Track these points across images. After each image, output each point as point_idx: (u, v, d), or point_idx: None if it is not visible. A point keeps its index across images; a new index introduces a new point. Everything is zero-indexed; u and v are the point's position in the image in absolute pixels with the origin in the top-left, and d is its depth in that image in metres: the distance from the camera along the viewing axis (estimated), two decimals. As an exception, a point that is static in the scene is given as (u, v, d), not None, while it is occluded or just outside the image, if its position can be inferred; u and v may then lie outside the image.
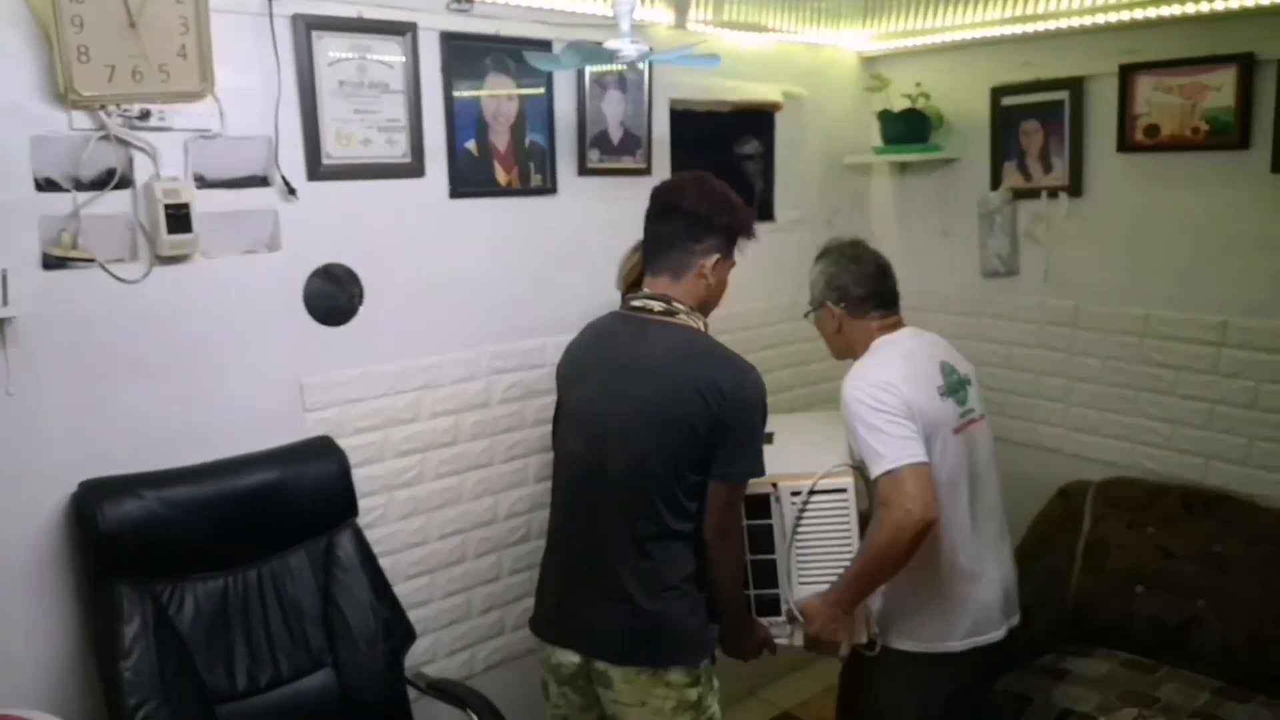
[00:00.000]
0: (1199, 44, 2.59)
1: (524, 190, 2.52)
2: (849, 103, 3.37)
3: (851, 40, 3.29)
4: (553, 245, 2.58)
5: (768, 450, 1.88)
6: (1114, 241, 2.89)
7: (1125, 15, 2.68)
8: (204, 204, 1.96)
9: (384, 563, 2.23)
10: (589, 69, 2.55)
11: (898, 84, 3.22)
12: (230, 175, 2.03)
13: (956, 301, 3.30)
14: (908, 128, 3.20)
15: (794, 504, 1.98)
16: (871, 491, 1.96)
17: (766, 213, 3.17)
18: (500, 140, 2.45)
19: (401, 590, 2.29)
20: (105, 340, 1.90)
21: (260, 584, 2.02)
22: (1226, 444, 2.72)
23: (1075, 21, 2.79)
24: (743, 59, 2.98)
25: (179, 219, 1.90)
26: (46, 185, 1.80)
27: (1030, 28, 2.89)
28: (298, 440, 2.15)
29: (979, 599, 2.06)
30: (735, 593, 1.91)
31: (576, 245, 2.61)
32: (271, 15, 2.02)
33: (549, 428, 2.50)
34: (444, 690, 2.16)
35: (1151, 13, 2.62)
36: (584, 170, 2.62)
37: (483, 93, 2.40)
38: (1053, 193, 3.00)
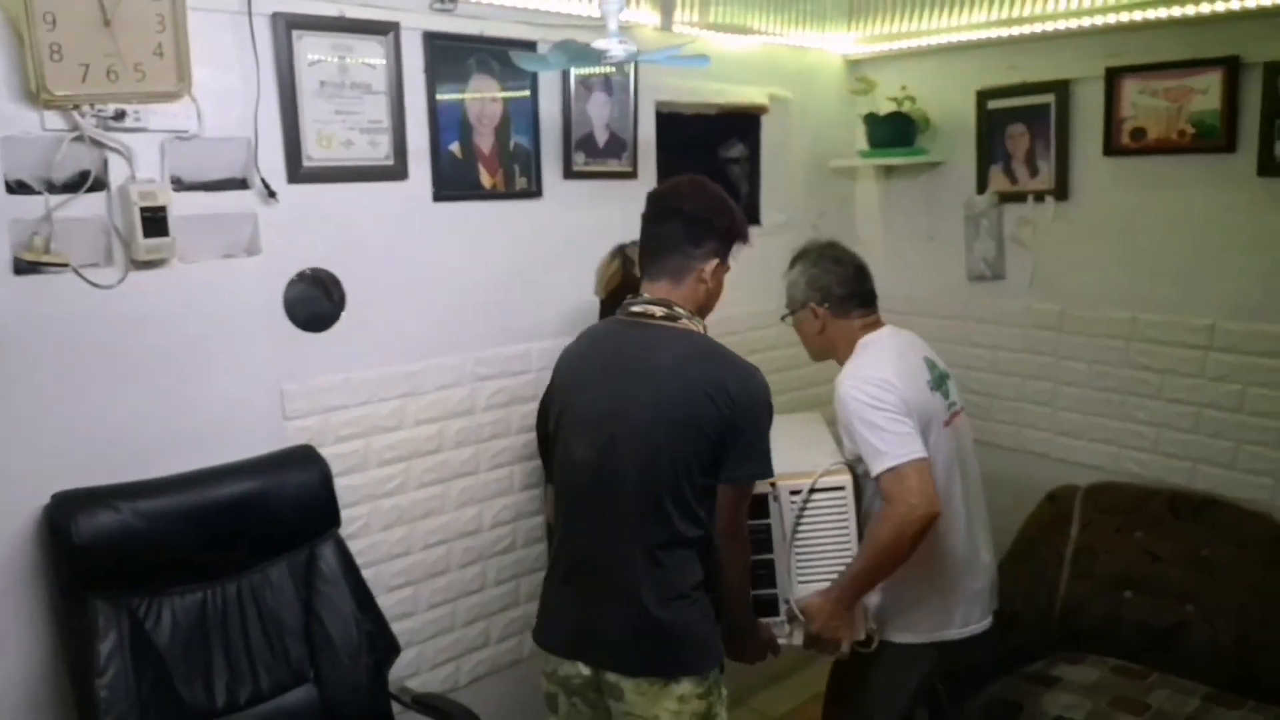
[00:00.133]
0: (1185, 47, 2.60)
1: (509, 193, 2.48)
2: (834, 106, 3.36)
3: (837, 43, 3.29)
4: (538, 249, 2.55)
5: None
6: (1100, 245, 2.89)
7: (1111, 18, 2.68)
8: (181, 207, 1.91)
9: (367, 574, 2.18)
10: (574, 71, 2.52)
11: (883, 87, 3.21)
12: (208, 177, 1.99)
13: (942, 305, 3.29)
14: (893, 131, 3.19)
15: (794, 503, 1.99)
16: (861, 489, 2.01)
17: (752, 216, 3.16)
18: (485, 142, 2.42)
19: (385, 602, 2.24)
20: (78, 347, 1.85)
21: (240, 597, 1.97)
22: (1213, 448, 2.72)
23: (1061, 24, 2.79)
24: (728, 61, 2.96)
25: (155, 222, 1.85)
26: (17, 187, 1.75)
27: (1016, 30, 2.89)
28: (278, 449, 2.11)
29: (974, 587, 2.12)
30: (744, 595, 1.92)
31: (562, 249, 2.57)
32: (251, 13, 1.98)
33: (534, 435, 2.47)
34: (429, 705, 2.12)
35: (1137, 15, 2.62)
36: (569, 173, 2.59)
37: (467, 95, 2.36)
38: (1039, 196, 3.00)
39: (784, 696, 3.19)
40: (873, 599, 2.06)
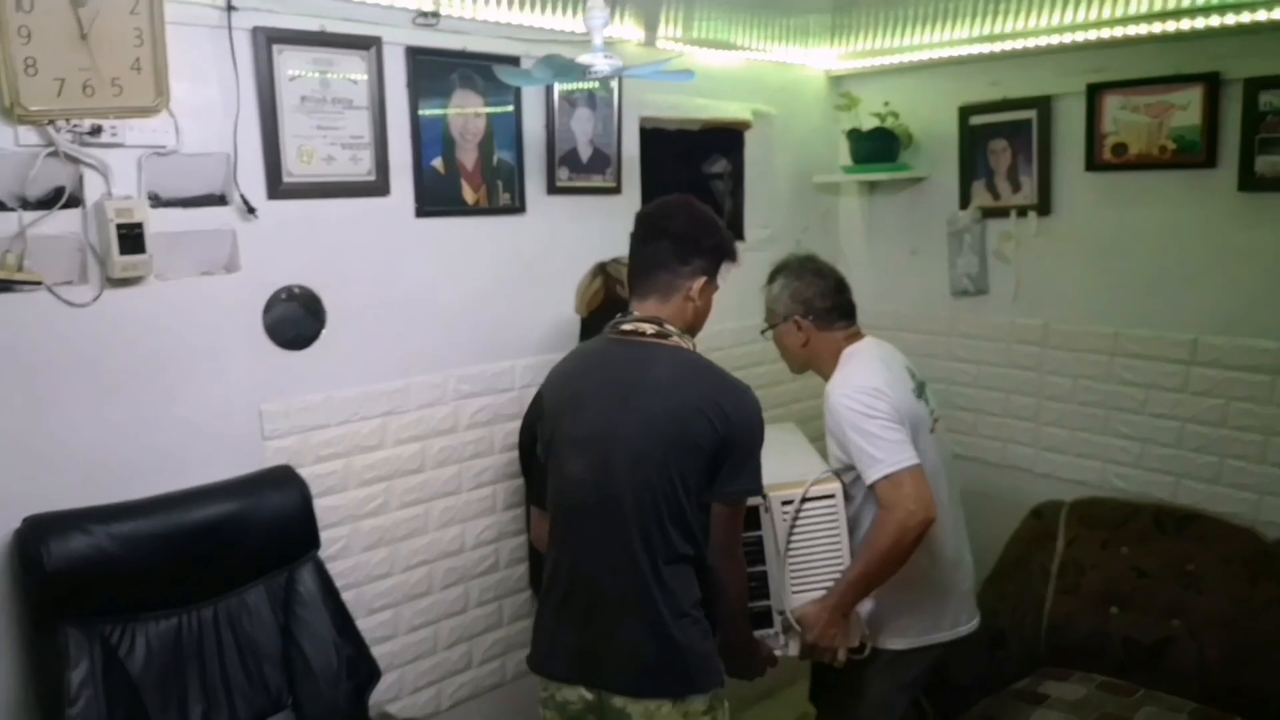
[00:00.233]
0: (1166, 63, 2.61)
1: (492, 209, 2.46)
2: (818, 122, 3.36)
3: (820, 59, 3.29)
4: (521, 265, 2.53)
5: None
6: (1083, 260, 2.90)
7: (1092, 35, 2.70)
8: (158, 224, 1.88)
9: (347, 597, 2.15)
10: (558, 86, 2.50)
11: (866, 103, 3.21)
12: (186, 194, 1.96)
13: (926, 320, 3.29)
14: (876, 147, 3.19)
15: (785, 514, 1.99)
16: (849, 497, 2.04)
17: (736, 232, 3.15)
18: (468, 158, 2.39)
19: (365, 625, 2.21)
20: (52, 367, 1.81)
21: (216, 622, 1.93)
22: (1197, 462, 2.73)
23: (1043, 40, 2.80)
24: (712, 77, 2.96)
25: (132, 239, 1.82)
26: (-10, 204, 1.71)
27: (998, 47, 2.90)
28: (256, 470, 2.07)
29: (961, 588, 2.17)
30: (743, 611, 1.91)
31: (546, 265, 2.55)
32: (230, 28, 1.96)
33: (517, 453, 2.44)
34: (411, 729, 2.08)
35: (1119, 32, 2.63)
36: (553, 189, 2.57)
37: (450, 110, 2.34)
38: (1021, 211, 3.00)
39: (769, 716, 3.16)
40: (865, 606, 2.07)
